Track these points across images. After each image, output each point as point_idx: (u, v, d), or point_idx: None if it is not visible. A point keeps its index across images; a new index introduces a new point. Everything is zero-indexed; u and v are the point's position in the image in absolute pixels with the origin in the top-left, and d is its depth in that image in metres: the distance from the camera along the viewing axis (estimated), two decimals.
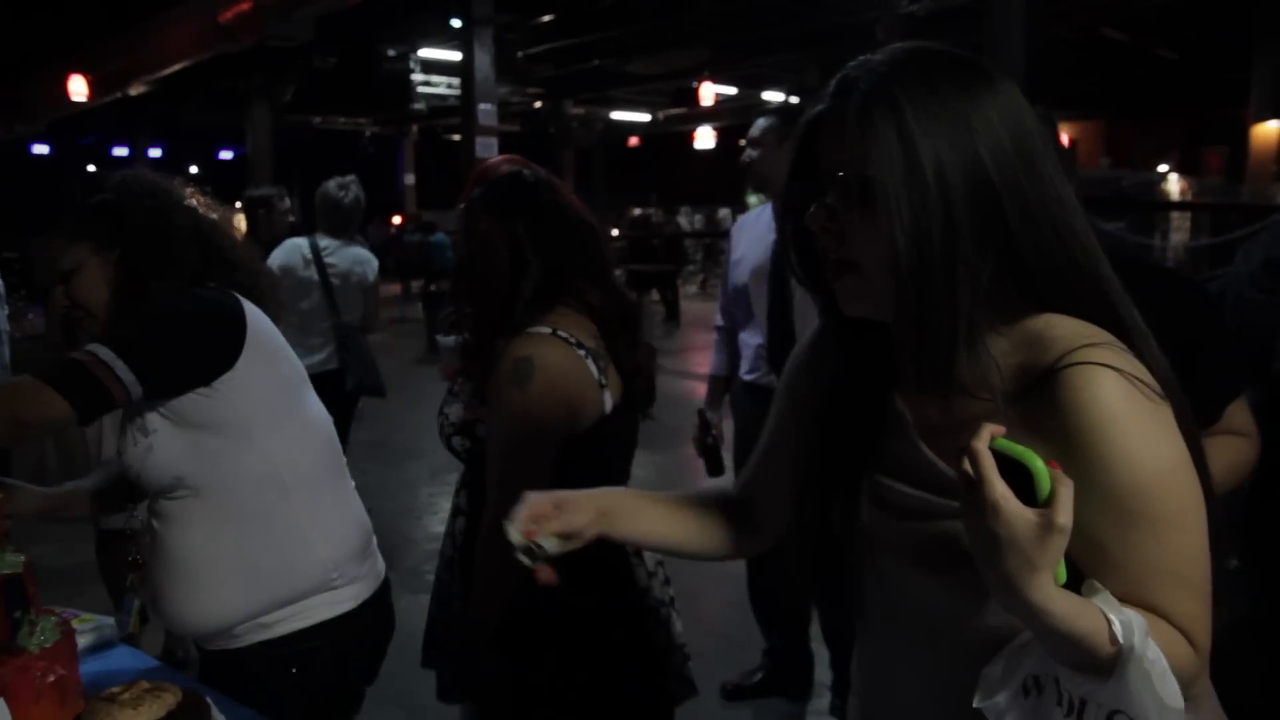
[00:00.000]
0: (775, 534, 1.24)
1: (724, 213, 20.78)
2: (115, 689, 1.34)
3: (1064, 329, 0.93)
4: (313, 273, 4.35)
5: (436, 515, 5.51)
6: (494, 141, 11.43)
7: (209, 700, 1.39)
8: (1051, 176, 0.95)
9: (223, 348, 1.62)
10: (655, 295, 14.01)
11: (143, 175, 1.78)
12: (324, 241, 4.38)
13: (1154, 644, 0.83)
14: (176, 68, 11.41)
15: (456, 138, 16.79)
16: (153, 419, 1.64)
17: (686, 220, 21.07)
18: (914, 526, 1.02)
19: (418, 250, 13.99)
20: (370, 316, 4.63)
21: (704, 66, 14.81)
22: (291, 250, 4.38)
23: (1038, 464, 0.82)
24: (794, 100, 16.65)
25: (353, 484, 1.86)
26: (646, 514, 1.24)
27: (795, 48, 13.23)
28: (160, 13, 9.80)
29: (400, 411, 4.82)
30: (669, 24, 12.76)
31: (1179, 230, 11.02)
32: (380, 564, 1.86)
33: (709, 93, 15.37)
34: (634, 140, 23.40)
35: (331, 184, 4.38)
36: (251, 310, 1.70)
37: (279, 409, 1.71)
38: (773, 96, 17.52)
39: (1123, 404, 0.87)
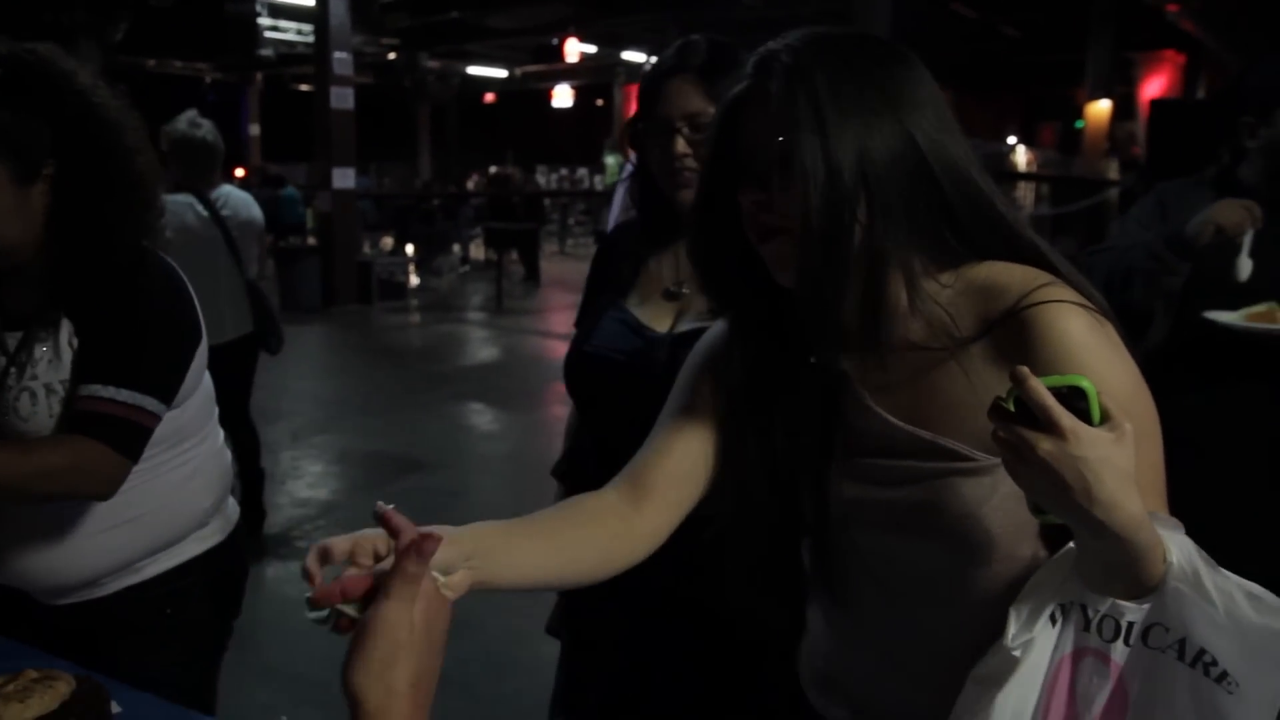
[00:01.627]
0: (668, 527, 1.15)
1: (582, 172, 20.65)
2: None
3: (1010, 275, 0.98)
4: (215, 231, 3.99)
5: (301, 480, 5.30)
6: (349, 92, 10.98)
7: (105, 687, 1.27)
8: (962, 139, 1.01)
9: (195, 340, 1.63)
10: (515, 255, 13.82)
11: (67, 68, 1.51)
12: (213, 193, 4.03)
13: (1193, 549, 0.87)
14: None
15: (305, 88, 16.06)
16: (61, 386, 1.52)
17: (544, 179, 20.84)
18: (895, 494, 1.02)
19: (267, 205, 13.34)
20: (263, 266, 4.37)
21: (565, 23, 14.61)
22: (180, 208, 3.92)
23: (1085, 382, 0.82)
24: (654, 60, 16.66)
25: (222, 431, 1.83)
26: (518, 551, 1.05)
27: (656, 7, 13.19)
28: None
29: (257, 373, 4.66)
30: None
31: (1024, 201, 11.61)
32: (233, 502, 1.85)
33: (574, 50, 15.19)
34: (490, 97, 22.96)
35: (181, 122, 3.95)
36: (186, 283, 1.65)
37: (200, 374, 1.68)
38: (633, 56, 17.46)
39: (1090, 334, 0.93)
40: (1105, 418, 0.82)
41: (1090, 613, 0.90)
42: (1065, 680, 0.92)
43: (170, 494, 1.63)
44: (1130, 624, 0.88)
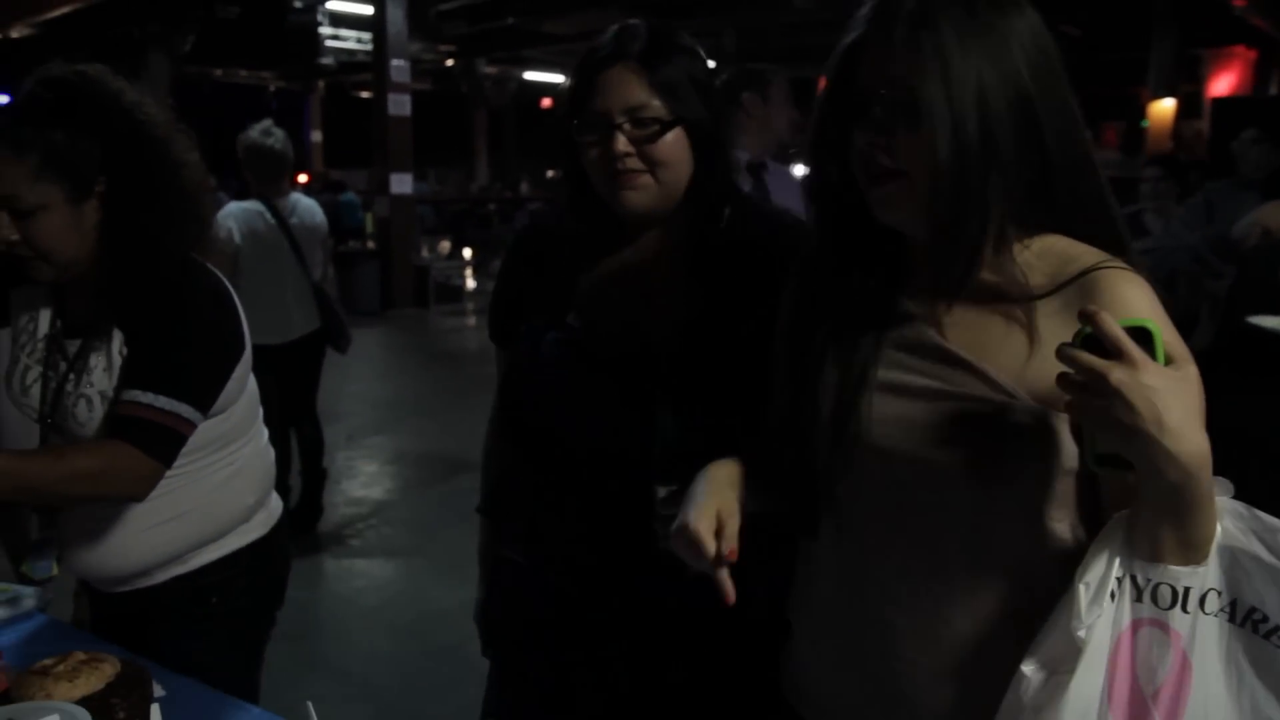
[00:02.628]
0: None
1: None
2: (48, 661, 1.26)
3: (1082, 249, 1.02)
4: (280, 236, 4.14)
5: (356, 480, 5.41)
6: (406, 98, 11.15)
7: (148, 670, 1.33)
8: (1070, 96, 1.01)
9: (238, 352, 1.66)
10: None
11: (115, 88, 1.58)
12: (278, 200, 4.17)
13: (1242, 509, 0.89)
14: (65, 9, 10.82)
15: (366, 95, 16.33)
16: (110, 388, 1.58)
17: None
18: (926, 408, 1.04)
19: (327, 210, 13.62)
20: (328, 268, 4.51)
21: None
22: (249, 215, 4.10)
23: (1152, 324, 0.85)
24: (710, 64, 16.63)
25: (265, 431, 1.88)
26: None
27: (711, 11, 13.19)
28: None
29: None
30: None
31: None
32: (277, 498, 1.90)
33: None
34: (546, 101, 23.13)
35: (254, 131, 4.10)
36: (234, 296, 1.69)
37: (244, 381, 1.72)
38: None
39: (1155, 304, 0.98)
40: (1169, 361, 0.85)
41: (1141, 581, 0.91)
42: (1127, 655, 0.92)
43: (216, 492, 1.69)
44: (1187, 589, 0.89)
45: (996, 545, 1.02)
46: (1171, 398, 0.82)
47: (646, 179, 1.34)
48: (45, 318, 1.67)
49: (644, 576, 1.36)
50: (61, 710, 1.14)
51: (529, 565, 1.47)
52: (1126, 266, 1.00)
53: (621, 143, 1.31)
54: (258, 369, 1.81)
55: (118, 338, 1.58)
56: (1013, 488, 1.00)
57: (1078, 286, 0.99)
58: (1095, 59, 15.35)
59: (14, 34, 12.54)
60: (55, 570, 1.74)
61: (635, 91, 1.31)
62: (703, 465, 1.22)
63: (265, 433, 1.86)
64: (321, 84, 20.45)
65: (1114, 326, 0.84)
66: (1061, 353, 0.86)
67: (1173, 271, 2.11)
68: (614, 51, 1.33)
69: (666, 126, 1.32)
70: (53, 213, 1.52)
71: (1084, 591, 0.91)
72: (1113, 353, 0.83)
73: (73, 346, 1.61)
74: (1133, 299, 0.97)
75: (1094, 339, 0.85)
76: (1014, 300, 1.01)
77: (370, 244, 12.41)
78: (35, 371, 1.63)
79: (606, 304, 1.43)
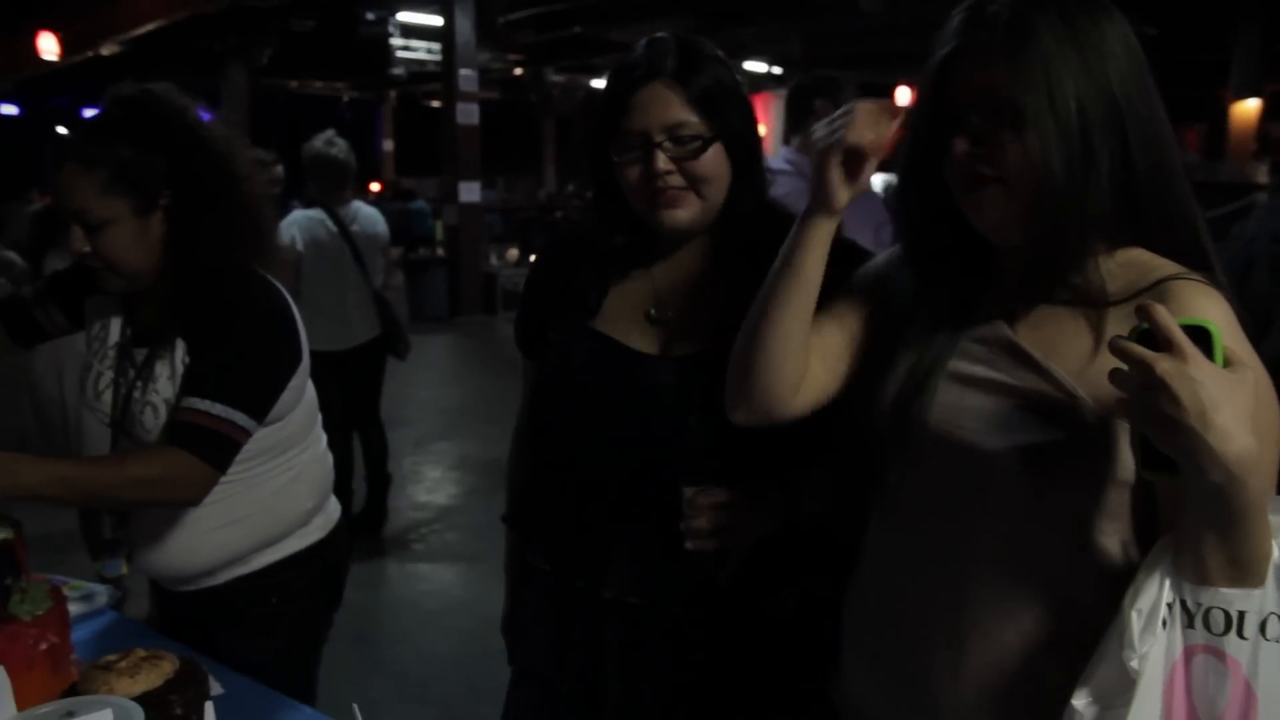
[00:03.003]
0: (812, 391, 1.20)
1: None
2: (111, 657, 1.31)
3: (1163, 262, 1.01)
4: (342, 244, 4.23)
5: (421, 485, 5.50)
6: (475, 108, 11.30)
7: (205, 668, 1.37)
8: (1159, 105, 1.01)
9: (294, 362, 1.70)
10: None
11: (179, 105, 1.65)
12: (340, 209, 4.26)
13: None
14: (150, 27, 11.19)
15: (436, 104, 16.60)
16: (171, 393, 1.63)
17: None
18: (987, 399, 1.04)
19: (397, 218, 13.87)
20: (390, 276, 4.60)
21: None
22: (312, 223, 4.20)
23: (1211, 325, 0.84)
24: (776, 71, 16.56)
25: (324, 436, 1.92)
26: None
27: (778, 16, 13.13)
28: None
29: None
30: None
31: None
32: (335, 501, 1.94)
33: None
34: None
35: (318, 141, 4.19)
36: (291, 306, 1.73)
37: (301, 390, 1.76)
38: (755, 67, 17.41)
39: (1230, 316, 0.96)
40: (1228, 363, 0.83)
41: (1191, 605, 0.88)
42: (1182, 685, 0.88)
43: (275, 497, 1.74)
44: (1242, 614, 0.85)
45: (1038, 553, 1.01)
46: (1221, 395, 0.80)
47: (689, 196, 1.34)
48: (116, 326, 1.73)
49: (674, 588, 1.36)
50: (116, 705, 1.18)
51: (555, 575, 1.48)
52: (1204, 280, 0.98)
53: (662, 161, 1.30)
54: (320, 375, 1.86)
55: (180, 347, 1.63)
56: (1061, 490, 0.99)
57: (1151, 294, 0.98)
58: (1174, 59, 14.94)
59: (104, 51, 13.01)
60: (125, 569, 1.82)
61: (674, 109, 1.31)
62: (730, 468, 1.24)
63: (324, 438, 1.90)
64: (393, 94, 20.83)
65: (1167, 318, 0.83)
66: (1113, 344, 0.85)
67: (1249, 260, 2.00)
68: (648, 69, 1.32)
69: (707, 143, 1.32)
70: (120, 226, 1.57)
71: (1136, 619, 0.88)
72: (1163, 346, 0.82)
73: (140, 355, 1.67)
74: (1202, 309, 0.95)
75: (1150, 335, 0.84)
76: (1090, 305, 1.01)
77: (439, 251, 12.60)
78: (107, 378, 1.69)
79: (639, 315, 1.43)
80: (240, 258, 1.65)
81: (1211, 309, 0.95)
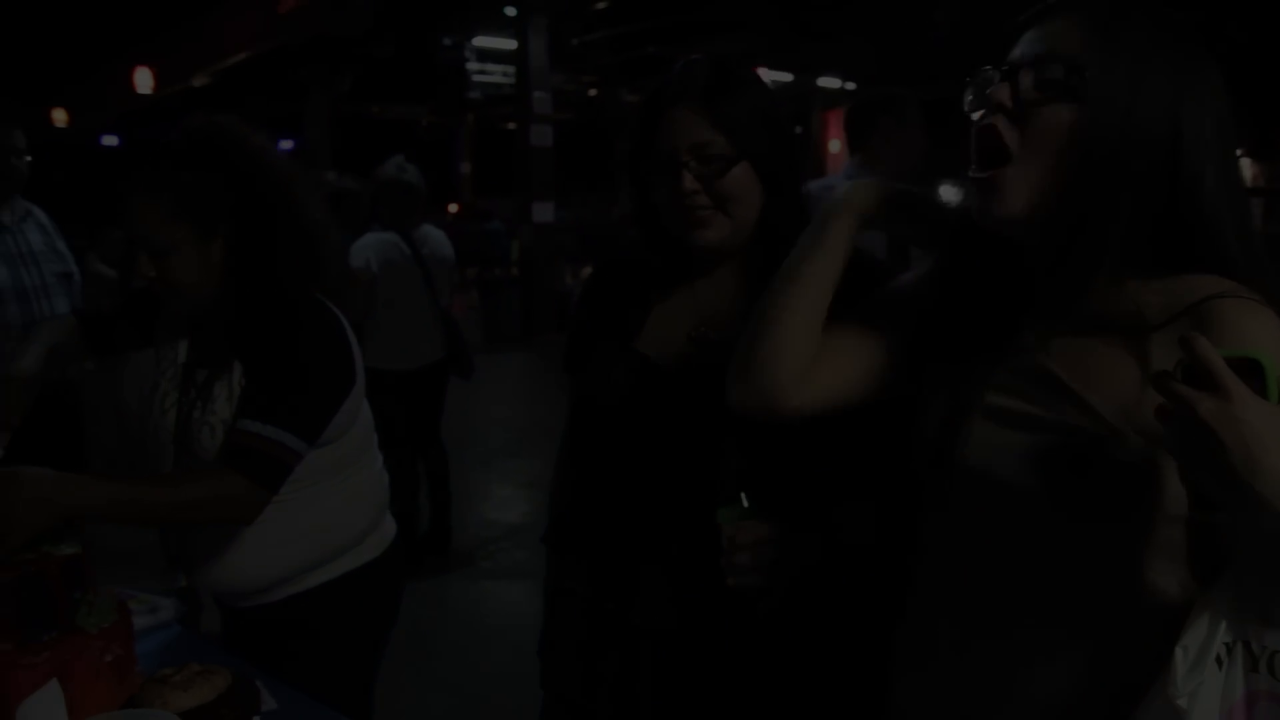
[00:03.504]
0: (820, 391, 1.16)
1: None
2: (168, 671, 1.36)
3: (1209, 280, 0.93)
4: (414, 265, 4.33)
5: (489, 501, 5.56)
6: (549, 129, 11.45)
7: (259, 683, 1.41)
8: (1236, 158, 0.96)
9: (348, 385, 1.73)
10: None
11: (241, 134, 1.70)
12: (412, 232, 4.36)
13: None
14: (238, 59, 11.60)
15: (512, 126, 16.89)
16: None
17: None
18: (1026, 436, 0.99)
19: (474, 239, 14.12)
20: (451, 298, 4.66)
21: (759, 53, 14.68)
22: (386, 245, 4.29)
23: (1266, 358, 0.78)
24: (850, 86, 16.44)
25: (380, 455, 1.94)
26: None
27: (849, 32, 13.06)
28: (221, 5, 10.00)
29: (454, 399, 4.96)
30: (724, 10, 12.66)
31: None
32: (390, 520, 1.96)
33: (766, 78, 15.22)
34: None
35: (389, 167, 4.30)
36: (348, 331, 1.76)
37: (355, 412, 1.79)
38: (828, 83, 17.32)
39: (1276, 340, 0.88)
40: None
41: (1256, 649, 0.83)
42: None
43: (331, 516, 1.78)
44: None
45: (1085, 594, 0.96)
46: (1271, 435, 0.75)
47: (718, 215, 1.34)
48: (183, 346, 1.80)
49: (710, 615, 1.36)
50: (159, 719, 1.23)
51: (590, 599, 1.48)
52: (1254, 297, 0.90)
53: (688, 180, 1.32)
54: (387, 394, 1.90)
55: (238, 369, 1.68)
56: (1105, 527, 0.94)
57: (1193, 316, 0.91)
58: (1265, 65, 14.43)
59: (195, 83, 13.54)
60: (184, 581, 1.88)
61: (699, 130, 1.32)
62: (768, 493, 1.22)
63: (380, 458, 1.93)
64: (470, 117, 21.21)
65: (1210, 352, 0.77)
66: (1155, 381, 0.80)
67: None
68: (678, 91, 1.35)
69: (731, 162, 1.32)
70: (183, 251, 1.63)
71: (1181, 656, 0.84)
72: (1207, 382, 0.77)
73: (201, 375, 1.73)
74: (1251, 330, 0.88)
75: (1195, 369, 0.79)
76: (1128, 331, 0.94)
77: (514, 271, 12.75)
78: (172, 397, 1.76)
79: (678, 334, 1.44)
80: (298, 283, 1.70)
81: (1261, 330, 0.88)
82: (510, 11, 11.54)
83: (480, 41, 14.29)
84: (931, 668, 1.10)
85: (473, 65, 14.68)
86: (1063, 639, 0.98)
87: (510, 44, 12.73)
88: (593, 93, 18.37)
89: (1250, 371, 0.77)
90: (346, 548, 1.82)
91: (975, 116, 0.98)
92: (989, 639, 1.03)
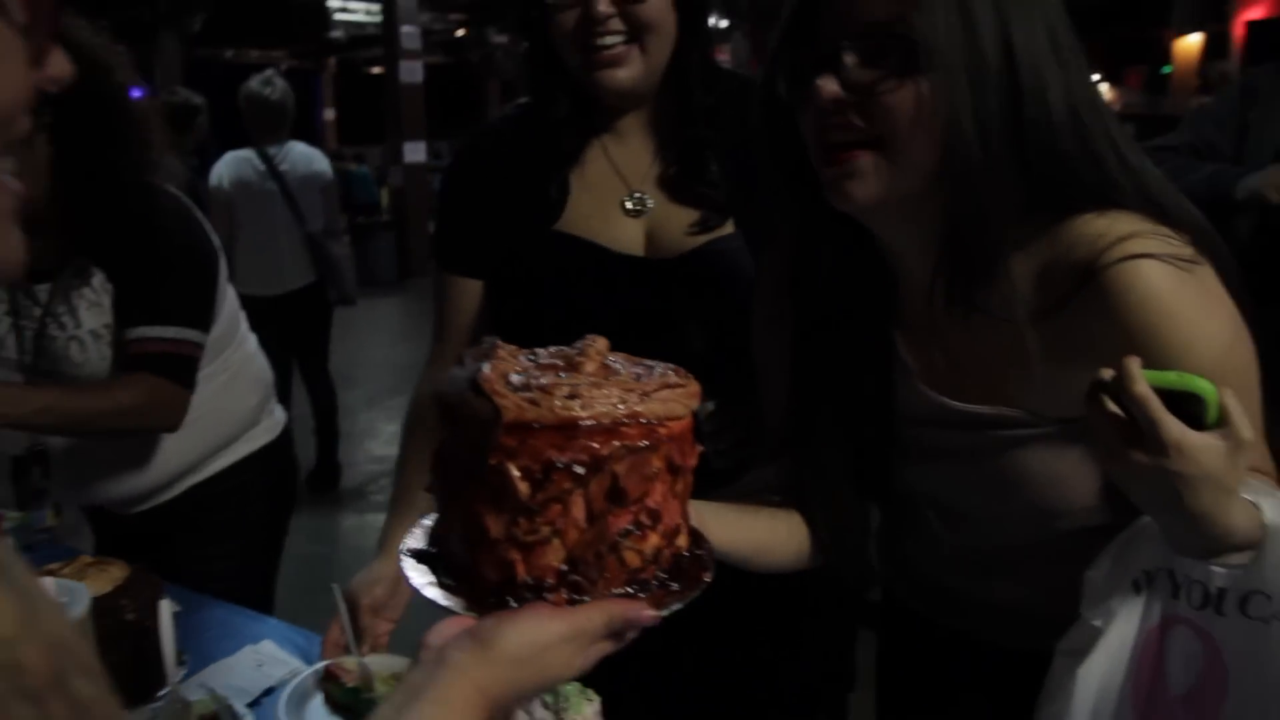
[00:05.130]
0: None
1: None
2: (55, 565, 1.23)
3: (1085, 228, 0.86)
4: (271, 184, 4.10)
5: (378, 439, 5.40)
6: (418, 66, 11.04)
7: (157, 576, 1.29)
8: (1077, 72, 0.87)
9: (217, 262, 1.69)
10: None
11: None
12: (270, 148, 4.11)
13: None
14: None
15: (376, 71, 16.26)
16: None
17: None
18: (960, 469, 0.97)
19: (341, 184, 13.58)
20: (335, 218, 4.41)
21: None
22: (239, 163, 4.09)
23: (1201, 384, 0.74)
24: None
25: (253, 335, 1.89)
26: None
27: None
28: None
29: (334, 343, 4.81)
30: None
31: None
32: (279, 406, 1.94)
33: None
34: None
35: (254, 82, 4.09)
36: (194, 207, 1.70)
37: (224, 292, 1.74)
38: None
39: (1176, 294, 0.82)
40: (1222, 421, 0.74)
41: (1179, 579, 0.84)
42: (1154, 651, 0.85)
43: (218, 398, 1.71)
44: (1221, 590, 0.81)
45: (1069, 552, 0.93)
46: (1201, 484, 0.73)
47: (632, 51, 1.20)
48: None
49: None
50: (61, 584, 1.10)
51: None
52: (1134, 250, 0.82)
53: (603, 4, 1.17)
54: (254, 322, 1.85)
55: (98, 274, 1.56)
56: (1077, 509, 0.93)
57: (1084, 295, 0.84)
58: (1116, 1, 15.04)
59: (19, 17, 12.52)
60: (50, 520, 1.75)
61: None
62: (735, 377, 1.12)
63: (253, 339, 1.88)
64: (333, 61, 20.36)
65: (1147, 404, 0.73)
66: (1088, 399, 0.76)
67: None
68: None
69: None
70: None
71: (1088, 582, 0.87)
72: (1142, 424, 0.73)
73: (43, 291, 1.57)
74: (1148, 297, 0.81)
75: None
76: (1013, 319, 0.87)
77: (385, 216, 12.37)
78: (5, 323, 1.59)
79: (613, 207, 1.29)
80: (136, 172, 1.57)
81: (1154, 286, 0.81)
82: None
83: None
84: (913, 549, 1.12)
85: (334, 3, 14.02)
86: (1027, 588, 1.00)
87: None
88: (460, 33, 17.84)
89: (1191, 398, 0.74)
90: (241, 429, 1.77)
91: (813, 117, 0.88)
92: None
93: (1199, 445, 0.73)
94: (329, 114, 21.22)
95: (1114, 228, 0.84)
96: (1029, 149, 0.84)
